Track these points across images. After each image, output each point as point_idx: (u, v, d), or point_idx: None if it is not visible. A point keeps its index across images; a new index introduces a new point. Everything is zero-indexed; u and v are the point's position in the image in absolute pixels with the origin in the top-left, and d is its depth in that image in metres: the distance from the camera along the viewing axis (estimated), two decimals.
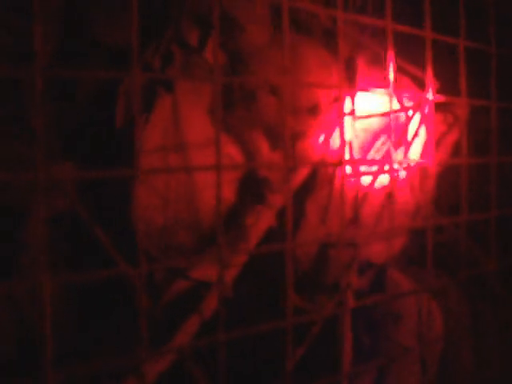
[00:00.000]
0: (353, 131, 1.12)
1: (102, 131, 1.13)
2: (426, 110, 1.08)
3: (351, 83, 1.14)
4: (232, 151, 1.12)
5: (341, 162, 0.95)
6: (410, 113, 1.15)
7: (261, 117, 1.12)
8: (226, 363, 0.79)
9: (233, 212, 1.11)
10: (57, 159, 1.11)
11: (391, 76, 0.99)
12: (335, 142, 1.12)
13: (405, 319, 1.16)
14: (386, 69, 1.00)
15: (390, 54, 0.96)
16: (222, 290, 0.79)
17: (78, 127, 1.15)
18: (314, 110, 1.13)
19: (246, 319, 1.05)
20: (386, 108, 1.08)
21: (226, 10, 1.11)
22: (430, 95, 1.06)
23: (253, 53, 1.14)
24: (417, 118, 1.15)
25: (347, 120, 1.10)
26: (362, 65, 1.16)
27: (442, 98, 1.09)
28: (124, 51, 1.15)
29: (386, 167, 1.07)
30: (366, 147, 1.15)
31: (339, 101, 0.93)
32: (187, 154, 1.09)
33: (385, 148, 1.13)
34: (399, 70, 1.14)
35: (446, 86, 1.17)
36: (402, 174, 1.15)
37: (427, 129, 1.09)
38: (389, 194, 1.02)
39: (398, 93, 1.03)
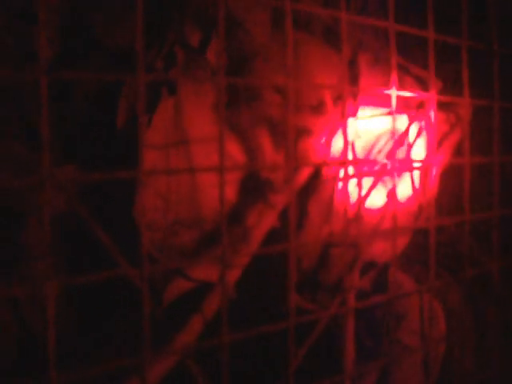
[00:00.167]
0: (355, 131, 1.12)
1: (103, 132, 1.13)
2: (429, 110, 1.08)
3: (354, 83, 1.14)
4: (234, 150, 1.12)
5: (343, 163, 0.95)
6: (413, 113, 1.15)
7: (264, 115, 1.12)
8: (229, 364, 0.79)
9: (235, 212, 1.11)
10: (58, 160, 1.11)
11: (394, 76, 0.98)
12: (338, 142, 1.12)
13: (407, 319, 1.16)
14: (388, 69, 0.99)
15: (393, 54, 0.95)
16: (224, 291, 0.79)
17: (78, 128, 1.15)
18: (317, 108, 1.13)
19: (248, 319, 1.06)
20: (388, 108, 1.08)
21: (228, 10, 1.11)
22: (432, 95, 1.06)
23: (255, 52, 1.14)
24: (419, 118, 1.15)
25: (350, 120, 1.10)
26: (364, 65, 1.16)
27: (444, 98, 1.09)
28: (126, 52, 1.15)
29: (389, 167, 1.06)
30: (369, 147, 1.15)
31: (342, 101, 0.93)
32: (190, 154, 1.09)
33: (387, 148, 1.13)
34: (402, 69, 1.14)
35: (449, 85, 1.17)
36: (405, 174, 1.15)
37: (430, 129, 1.09)
38: (391, 194, 1.02)
39: (400, 93, 1.03)
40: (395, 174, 1.05)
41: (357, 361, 1.11)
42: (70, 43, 1.14)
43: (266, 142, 1.12)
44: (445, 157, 1.18)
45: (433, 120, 1.07)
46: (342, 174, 1.09)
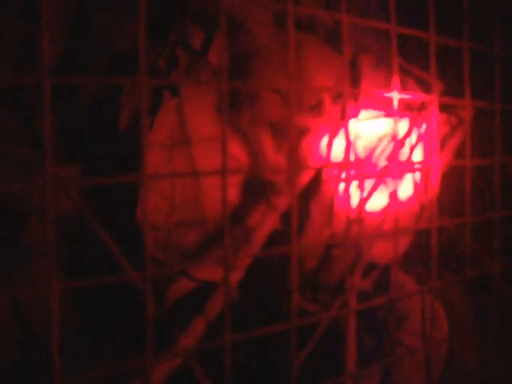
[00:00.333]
0: (357, 133, 1.12)
1: (106, 132, 1.13)
2: (430, 112, 1.08)
3: (355, 85, 1.14)
4: (237, 151, 1.12)
5: (345, 164, 0.95)
6: (415, 115, 1.15)
7: (265, 115, 1.12)
8: (232, 365, 0.79)
9: (237, 213, 1.11)
10: (61, 161, 1.11)
11: (395, 78, 0.99)
12: (339, 143, 1.12)
13: (409, 320, 1.16)
14: (390, 71, 1.00)
15: (394, 57, 0.96)
16: (227, 293, 0.79)
17: (81, 128, 1.15)
18: (316, 108, 1.14)
19: (250, 320, 1.06)
20: (390, 110, 1.08)
21: (230, 11, 1.11)
22: (434, 97, 1.06)
23: (256, 52, 1.14)
24: (421, 120, 1.15)
25: (351, 122, 1.10)
26: (366, 66, 1.16)
27: (446, 100, 1.09)
28: (129, 53, 1.15)
29: (391, 169, 1.07)
30: (370, 149, 1.15)
31: (344, 103, 0.94)
32: (193, 156, 1.09)
33: (389, 150, 1.14)
34: (403, 71, 1.14)
35: (451, 87, 1.17)
36: (406, 175, 1.15)
37: (431, 131, 1.09)
38: (393, 195, 1.02)
39: (402, 94, 1.03)
40: (397, 176, 1.05)
41: (358, 362, 1.11)
42: (73, 44, 1.14)
43: (267, 143, 1.12)
44: (446, 158, 1.19)
45: (434, 122, 1.08)
46: (343, 175, 1.10)
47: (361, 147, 1.14)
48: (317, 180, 1.13)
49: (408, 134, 1.16)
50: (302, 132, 1.13)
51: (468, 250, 1.13)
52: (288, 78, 0.80)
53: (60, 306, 0.64)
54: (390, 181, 1.13)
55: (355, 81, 1.15)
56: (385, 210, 1.14)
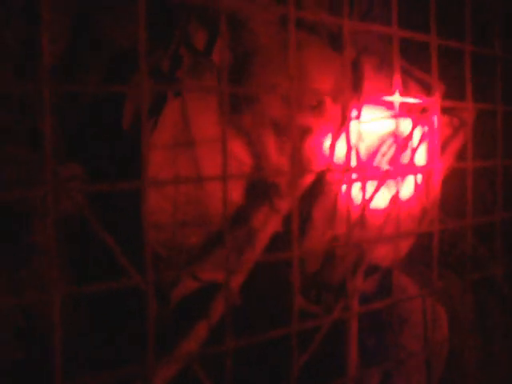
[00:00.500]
0: (359, 135, 1.12)
1: (109, 132, 1.13)
2: (432, 114, 1.08)
3: (357, 87, 1.14)
4: (240, 152, 1.12)
5: (347, 168, 0.95)
6: (417, 117, 1.15)
7: (268, 116, 1.12)
8: (233, 369, 0.80)
9: (240, 214, 1.11)
10: (63, 160, 1.11)
11: (397, 80, 0.99)
12: (341, 146, 1.12)
13: (410, 323, 1.16)
14: (392, 73, 1.00)
15: (396, 60, 0.96)
16: (228, 297, 0.79)
17: (83, 127, 1.15)
18: (319, 107, 1.13)
19: (252, 322, 1.06)
20: (392, 112, 1.08)
21: (233, 11, 1.11)
22: (436, 100, 1.06)
23: (258, 51, 1.14)
24: (423, 122, 1.15)
25: (353, 123, 1.10)
26: (368, 68, 1.16)
27: (448, 103, 1.09)
28: (130, 53, 1.15)
29: (392, 171, 1.07)
30: (372, 152, 1.15)
31: (345, 105, 0.94)
32: (196, 156, 1.09)
33: (391, 152, 1.13)
34: (406, 73, 1.14)
35: (452, 89, 1.17)
36: (408, 178, 1.15)
37: (433, 133, 1.09)
38: (395, 198, 1.02)
39: (403, 97, 1.03)
40: (399, 178, 1.05)
41: (360, 364, 1.11)
42: (75, 43, 1.14)
43: (270, 143, 1.12)
44: (448, 161, 1.18)
45: (436, 124, 1.07)
46: (346, 178, 1.10)
47: (363, 149, 1.14)
48: (319, 182, 1.13)
49: (410, 136, 1.16)
50: (304, 133, 1.13)
51: (470, 252, 1.13)
52: (289, 78, 0.80)
53: (61, 307, 0.65)
54: (391, 183, 1.13)
55: (357, 82, 1.15)
56: (387, 212, 1.14)
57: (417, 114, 1.16)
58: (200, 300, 1.02)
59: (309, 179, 1.10)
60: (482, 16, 1.17)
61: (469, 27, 1.04)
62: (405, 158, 1.14)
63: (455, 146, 1.20)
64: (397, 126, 1.01)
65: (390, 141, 1.14)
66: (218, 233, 1.09)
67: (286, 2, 0.80)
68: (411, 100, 1.06)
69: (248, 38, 1.15)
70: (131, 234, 0.97)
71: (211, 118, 1.10)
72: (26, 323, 1.07)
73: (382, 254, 1.15)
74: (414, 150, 1.15)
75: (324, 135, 1.14)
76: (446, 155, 1.19)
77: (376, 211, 1.14)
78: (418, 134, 1.16)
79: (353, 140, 1.09)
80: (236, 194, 1.11)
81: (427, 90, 1.14)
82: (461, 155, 1.20)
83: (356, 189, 1.12)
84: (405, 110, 1.14)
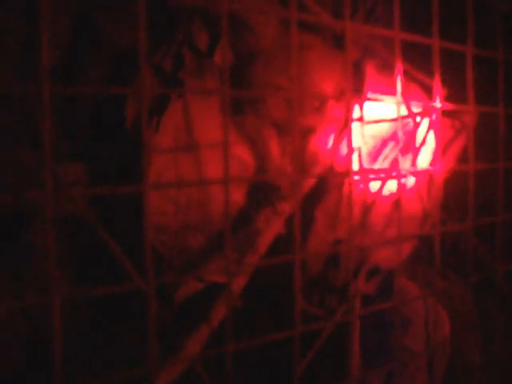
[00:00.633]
0: (361, 138, 1.12)
1: (111, 131, 1.13)
2: (434, 117, 1.08)
3: (359, 89, 1.14)
4: (243, 153, 1.12)
5: (349, 172, 0.95)
6: (418, 119, 1.15)
7: (270, 117, 1.12)
8: (235, 370, 0.79)
9: (243, 215, 1.11)
10: (65, 160, 1.11)
11: (399, 83, 0.99)
12: (344, 148, 1.12)
13: (412, 324, 1.16)
14: (394, 76, 1.00)
15: (399, 62, 0.96)
16: (229, 301, 0.79)
17: (85, 128, 1.15)
18: (321, 108, 1.13)
19: (254, 324, 1.06)
20: (394, 115, 1.08)
21: (236, 12, 1.10)
22: (437, 102, 1.06)
23: (260, 52, 1.14)
24: (425, 124, 1.15)
25: (355, 126, 1.10)
26: (370, 71, 1.16)
27: (449, 106, 1.09)
28: (131, 53, 1.15)
29: (394, 174, 1.07)
30: (374, 154, 1.15)
31: (347, 107, 0.93)
32: (199, 158, 1.09)
33: (393, 155, 1.13)
34: (407, 76, 1.14)
35: (454, 91, 1.17)
36: (410, 180, 1.15)
37: (435, 136, 1.09)
38: (397, 200, 1.02)
39: (406, 99, 1.03)
40: (401, 181, 1.05)
41: (363, 365, 1.11)
42: (75, 43, 1.14)
43: (273, 145, 1.12)
44: (449, 163, 1.18)
45: (438, 126, 1.07)
46: (348, 180, 1.09)
47: (365, 151, 1.14)
48: (322, 184, 1.13)
49: (412, 139, 1.16)
50: (307, 134, 1.13)
51: (471, 254, 1.13)
52: (291, 80, 0.80)
53: (61, 307, 0.64)
54: (393, 185, 1.13)
55: (359, 84, 1.15)
56: (389, 214, 1.14)
57: (419, 116, 1.16)
58: (202, 301, 1.02)
59: (311, 181, 1.10)
60: (483, 16, 1.17)
61: (471, 30, 1.04)
62: (407, 161, 1.14)
63: (457, 148, 1.20)
64: (399, 128, 1.01)
65: (392, 143, 1.14)
66: (221, 235, 1.09)
67: (288, 4, 0.80)
68: (413, 102, 1.06)
69: (250, 39, 1.14)
70: (133, 235, 0.97)
71: (214, 119, 1.10)
72: (26, 323, 1.07)
73: (384, 256, 1.15)
74: (415, 153, 1.15)
75: (326, 137, 1.14)
76: (447, 157, 1.18)
77: (378, 213, 1.14)
78: (420, 136, 1.16)
79: (355, 142, 1.09)
80: (238, 195, 1.10)
81: (429, 92, 1.14)
82: (462, 158, 1.20)
83: (358, 191, 1.12)
84: (407, 112, 1.14)
